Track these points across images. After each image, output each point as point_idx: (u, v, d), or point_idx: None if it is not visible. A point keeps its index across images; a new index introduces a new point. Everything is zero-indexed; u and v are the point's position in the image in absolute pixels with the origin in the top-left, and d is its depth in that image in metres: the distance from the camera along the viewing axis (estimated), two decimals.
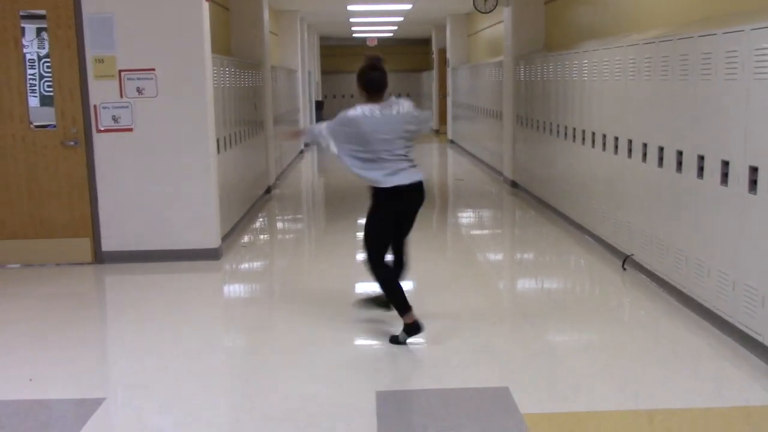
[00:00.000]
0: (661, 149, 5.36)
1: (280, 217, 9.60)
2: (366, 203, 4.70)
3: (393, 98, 4.52)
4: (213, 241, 6.72)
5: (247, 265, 7.06)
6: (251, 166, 9.30)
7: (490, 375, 4.12)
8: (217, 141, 7.01)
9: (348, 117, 4.40)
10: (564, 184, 8.01)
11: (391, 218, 4.57)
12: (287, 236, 8.65)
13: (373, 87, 4.44)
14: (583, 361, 4.34)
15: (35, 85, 6.60)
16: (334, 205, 10.27)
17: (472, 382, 4.01)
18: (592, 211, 7.02)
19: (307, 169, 14.60)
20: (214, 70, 6.92)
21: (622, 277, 5.94)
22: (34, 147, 6.53)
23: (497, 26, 12.79)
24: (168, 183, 6.56)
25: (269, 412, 3.73)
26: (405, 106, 4.50)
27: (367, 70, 4.44)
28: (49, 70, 6.49)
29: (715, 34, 4.54)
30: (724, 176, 4.45)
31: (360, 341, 4.66)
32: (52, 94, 6.52)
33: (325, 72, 24.42)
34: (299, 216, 9.81)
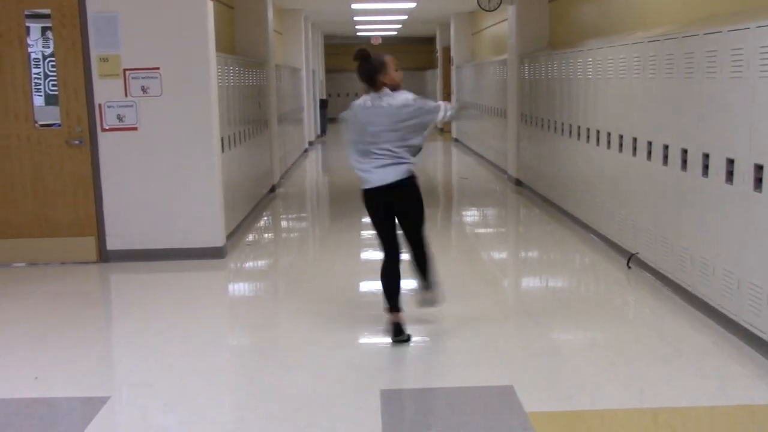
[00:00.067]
0: (666, 147, 5.35)
1: (284, 216, 9.61)
2: None
3: (387, 90, 4.42)
4: (218, 239, 6.73)
5: (251, 264, 7.07)
6: (255, 165, 9.30)
7: (495, 374, 4.12)
8: (222, 140, 7.01)
9: (351, 105, 4.52)
10: (568, 182, 8.00)
11: (380, 215, 4.54)
12: (292, 235, 8.66)
13: (363, 77, 4.46)
14: (587, 359, 4.33)
15: (40, 84, 6.63)
16: (339, 203, 10.28)
17: (476, 381, 4.01)
18: (597, 210, 7.01)
19: (312, 167, 14.61)
20: (218, 68, 6.92)
21: (627, 276, 5.93)
22: (39, 146, 6.55)
23: (501, 24, 12.77)
24: (173, 181, 6.57)
25: (273, 411, 3.73)
26: (399, 99, 4.37)
27: (358, 63, 4.48)
28: (54, 69, 6.51)
29: (721, 32, 4.53)
30: (730, 174, 4.44)
31: (364, 340, 4.66)
32: (56, 93, 6.53)
33: (329, 70, 24.43)
34: (303, 214, 9.81)
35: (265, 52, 10.51)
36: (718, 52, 4.54)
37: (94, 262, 6.66)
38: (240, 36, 10.29)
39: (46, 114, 6.62)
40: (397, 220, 4.56)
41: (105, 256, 6.67)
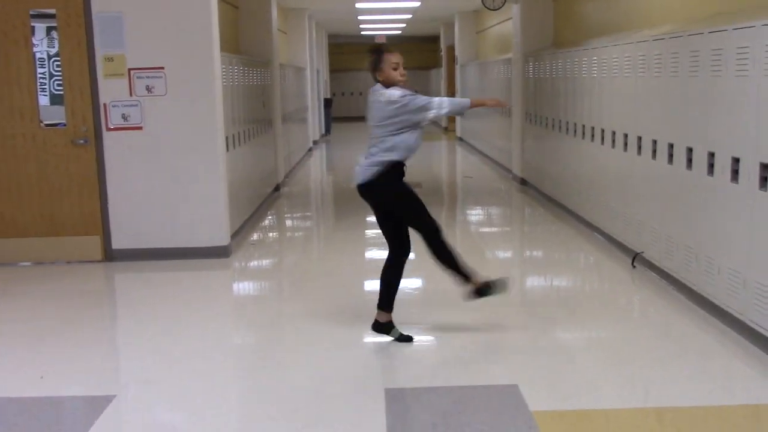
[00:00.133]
0: (671, 146, 5.34)
1: (288, 215, 9.62)
2: None
3: (378, 85, 4.40)
4: (222, 238, 6.73)
5: (256, 263, 7.07)
6: (260, 164, 9.31)
7: (499, 373, 4.12)
8: (226, 139, 7.02)
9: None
10: (573, 181, 7.99)
11: (376, 214, 4.53)
12: (296, 234, 8.66)
13: (369, 70, 4.47)
14: (592, 358, 4.33)
15: (45, 84, 6.63)
16: (343, 202, 10.28)
17: (481, 380, 4.00)
18: (602, 209, 7.00)
19: (316, 166, 14.61)
20: (222, 68, 6.93)
21: (632, 275, 5.92)
22: (45, 145, 6.56)
23: (506, 23, 12.76)
24: (177, 181, 6.58)
25: (278, 409, 3.74)
26: (386, 95, 4.31)
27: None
28: (59, 68, 6.52)
29: (726, 30, 4.52)
30: (735, 173, 4.43)
31: (369, 339, 4.66)
32: (62, 92, 6.55)
33: (333, 70, 24.43)
34: (308, 214, 9.82)
35: (270, 51, 10.52)
36: (724, 51, 4.53)
37: (99, 261, 6.68)
38: (244, 35, 10.30)
39: (51, 113, 6.63)
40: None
41: (110, 255, 6.68)
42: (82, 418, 3.71)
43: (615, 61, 6.52)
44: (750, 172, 4.26)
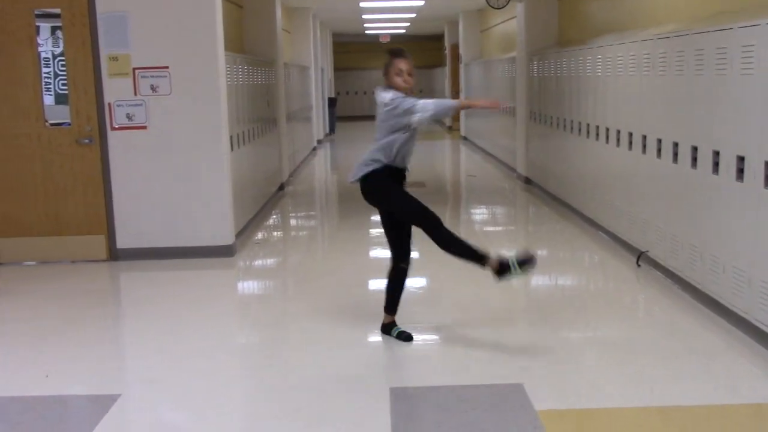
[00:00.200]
0: (676, 145, 5.33)
1: (293, 214, 9.62)
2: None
3: (381, 87, 4.42)
4: (227, 237, 6.74)
5: (260, 262, 7.08)
6: (264, 163, 9.32)
7: (504, 372, 4.11)
8: (231, 138, 7.03)
9: None
10: (578, 180, 7.98)
11: (380, 213, 4.55)
12: (301, 233, 8.67)
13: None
14: (597, 357, 4.32)
15: (50, 84, 6.65)
16: (347, 202, 10.28)
17: (486, 379, 4.00)
18: (606, 208, 6.99)
19: (320, 166, 14.62)
20: (227, 67, 6.94)
21: (637, 274, 5.91)
22: (50, 145, 6.58)
23: (510, 22, 12.74)
24: (182, 180, 6.59)
25: (283, 408, 3.74)
26: (380, 97, 4.35)
27: None
28: (64, 68, 6.54)
29: (731, 29, 4.50)
30: (740, 172, 4.42)
31: (374, 338, 4.66)
32: (66, 92, 6.56)
33: (337, 69, 24.43)
34: (312, 213, 9.82)
35: (274, 50, 10.53)
36: (729, 49, 4.52)
37: (104, 261, 6.69)
38: (249, 35, 10.31)
39: (56, 113, 6.64)
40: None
41: (115, 254, 6.70)
42: (87, 417, 3.72)
43: (620, 60, 6.50)
44: (755, 171, 4.25)
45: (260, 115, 9.11)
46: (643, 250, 5.98)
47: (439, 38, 23.91)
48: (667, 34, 5.51)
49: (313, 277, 6.37)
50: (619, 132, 6.58)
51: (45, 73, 6.59)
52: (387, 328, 4.60)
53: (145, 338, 4.86)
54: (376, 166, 4.34)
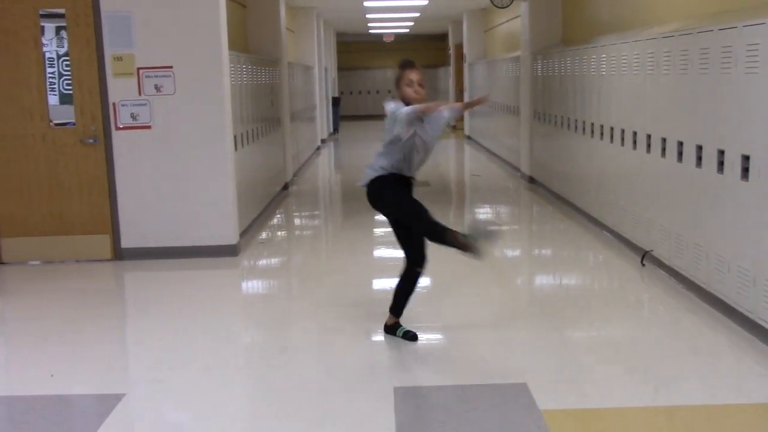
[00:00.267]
0: (681, 144, 5.32)
1: (297, 214, 9.63)
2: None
3: (388, 99, 4.45)
4: (231, 237, 6.75)
5: (264, 262, 7.08)
6: (268, 163, 9.33)
7: (508, 371, 4.11)
8: (235, 138, 7.03)
9: None
10: (582, 179, 7.97)
11: (388, 219, 4.57)
12: (305, 232, 8.67)
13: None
14: (601, 357, 4.32)
15: (55, 84, 6.66)
16: (351, 201, 10.28)
17: (490, 379, 4.00)
18: (611, 207, 6.98)
19: (324, 165, 14.62)
20: (231, 67, 6.94)
21: (641, 273, 5.90)
22: (54, 145, 6.59)
23: (514, 21, 12.73)
24: (186, 180, 6.60)
25: (287, 408, 3.74)
26: (386, 106, 4.34)
27: None
28: (68, 68, 6.55)
29: (736, 27, 4.49)
30: (745, 171, 4.41)
31: (378, 337, 4.66)
32: (71, 92, 6.57)
33: (341, 68, 24.43)
34: (316, 212, 9.83)
35: (278, 50, 10.53)
36: (734, 48, 4.51)
37: (108, 260, 6.70)
38: (253, 34, 10.31)
39: (60, 113, 6.65)
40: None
41: (119, 254, 6.71)
42: (92, 417, 3.73)
43: (624, 59, 6.49)
44: (760, 170, 4.24)
45: (264, 114, 9.11)
46: (648, 249, 5.97)
47: (443, 38, 23.89)
48: (672, 32, 5.50)
49: (317, 276, 6.37)
50: (623, 131, 6.57)
51: (49, 73, 6.61)
52: (391, 329, 4.60)
53: (150, 338, 4.86)
54: (381, 172, 4.36)
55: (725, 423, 3.49)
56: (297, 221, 9.29)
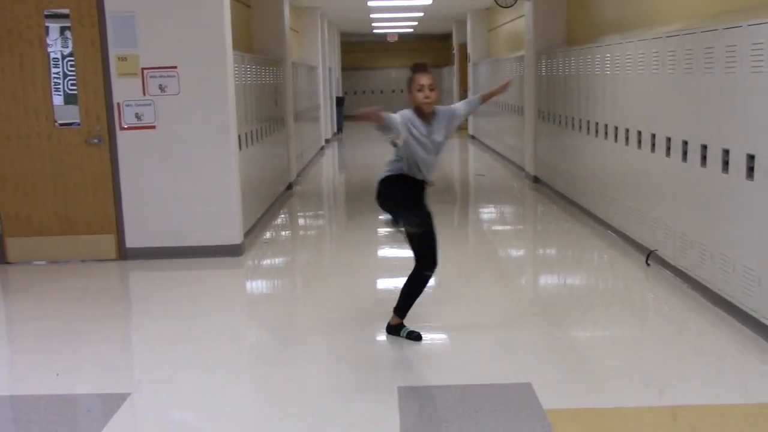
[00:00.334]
0: (685, 143, 5.31)
1: (301, 214, 9.63)
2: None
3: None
4: (235, 237, 6.75)
5: (269, 262, 7.09)
6: (273, 163, 9.33)
7: (513, 371, 4.11)
8: (239, 138, 7.04)
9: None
10: (586, 179, 7.96)
11: None
12: (309, 232, 8.68)
13: None
14: (606, 357, 4.31)
15: (59, 84, 6.67)
16: (355, 201, 10.29)
17: (494, 378, 4.00)
18: (615, 206, 6.97)
19: (328, 165, 14.62)
20: (235, 67, 6.95)
21: (646, 273, 5.90)
22: (59, 145, 6.61)
23: (518, 21, 12.72)
24: (191, 180, 6.61)
25: (291, 407, 3.75)
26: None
27: None
28: (73, 68, 6.56)
29: (741, 26, 4.48)
30: (750, 170, 4.40)
31: (381, 337, 4.66)
32: (76, 92, 6.59)
33: (345, 68, 24.44)
34: (320, 212, 9.83)
35: (282, 50, 10.54)
36: (738, 47, 4.50)
37: (113, 260, 6.72)
38: (257, 34, 10.32)
39: (65, 113, 6.67)
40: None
41: (124, 253, 6.72)
42: (97, 416, 3.73)
43: (628, 58, 6.48)
44: (765, 169, 4.23)
45: (268, 114, 9.12)
46: (653, 249, 5.96)
47: (447, 37, 23.89)
48: (676, 32, 5.49)
49: (321, 276, 6.37)
50: (627, 131, 6.56)
51: (54, 73, 6.62)
52: (395, 329, 4.60)
53: (154, 337, 4.87)
54: (391, 173, 4.38)
55: (731, 423, 3.49)
56: (301, 221, 9.30)
